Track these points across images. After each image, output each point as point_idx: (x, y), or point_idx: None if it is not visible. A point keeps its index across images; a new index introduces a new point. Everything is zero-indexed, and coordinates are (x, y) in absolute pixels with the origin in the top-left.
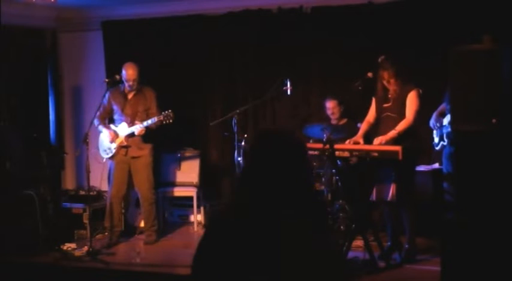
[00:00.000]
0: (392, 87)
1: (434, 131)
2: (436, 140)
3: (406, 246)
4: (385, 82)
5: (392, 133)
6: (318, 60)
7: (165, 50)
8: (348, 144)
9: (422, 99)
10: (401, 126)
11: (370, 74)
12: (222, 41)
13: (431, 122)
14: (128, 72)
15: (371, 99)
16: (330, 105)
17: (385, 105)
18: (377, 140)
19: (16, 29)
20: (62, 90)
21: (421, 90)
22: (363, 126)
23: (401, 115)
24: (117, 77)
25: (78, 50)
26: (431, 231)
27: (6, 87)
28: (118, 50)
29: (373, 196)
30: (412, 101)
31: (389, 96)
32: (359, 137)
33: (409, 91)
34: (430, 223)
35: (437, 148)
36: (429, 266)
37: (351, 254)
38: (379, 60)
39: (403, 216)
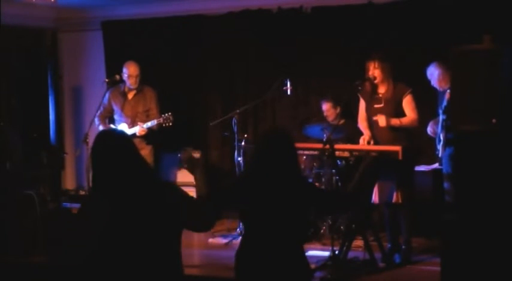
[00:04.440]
0: (384, 87)
1: (437, 139)
2: (439, 147)
3: (403, 247)
4: (376, 82)
5: (395, 120)
6: (318, 60)
7: (165, 50)
8: (362, 142)
9: (416, 99)
10: (406, 120)
11: (370, 74)
12: (222, 41)
13: (428, 129)
14: (130, 69)
15: (358, 99)
16: (325, 107)
17: (377, 106)
18: (379, 118)
19: (16, 29)
20: (62, 90)
21: (411, 89)
22: (368, 127)
23: (394, 117)
24: (117, 77)
25: (78, 50)
26: (431, 231)
27: (6, 87)
28: (118, 50)
29: (375, 198)
30: (410, 103)
31: (380, 96)
32: (370, 137)
33: (403, 93)
34: (430, 223)
35: (440, 155)
36: (429, 266)
37: (351, 254)
38: (373, 59)
39: (400, 217)
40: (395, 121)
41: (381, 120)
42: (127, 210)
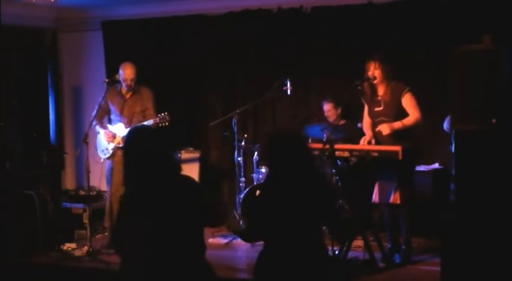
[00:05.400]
0: (382, 88)
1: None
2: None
3: (403, 247)
4: (375, 82)
5: (398, 124)
6: (318, 60)
7: (165, 50)
8: (362, 142)
9: (416, 96)
10: (409, 120)
11: (369, 74)
12: (222, 41)
13: (445, 125)
14: (126, 72)
15: (362, 102)
16: (326, 107)
17: (377, 109)
18: (382, 127)
19: (16, 29)
20: (62, 90)
21: (409, 88)
22: (370, 127)
23: (396, 118)
24: (117, 77)
25: (78, 50)
26: (431, 231)
27: (6, 87)
28: (118, 50)
29: (376, 198)
30: (411, 101)
31: (379, 98)
32: (371, 136)
33: (401, 92)
34: (430, 223)
35: (453, 151)
36: (429, 266)
37: (351, 254)
38: (374, 59)
39: (399, 217)
40: (398, 125)
41: (384, 129)
42: (153, 203)
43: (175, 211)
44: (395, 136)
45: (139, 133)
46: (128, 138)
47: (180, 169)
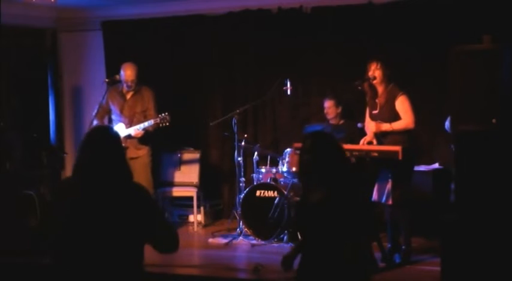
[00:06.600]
0: (380, 90)
1: None
2: None
3: (403, 247)
4: (374, 82)
5: (386, 125)
6: (318, 60)
7: (165, 50)
8: (363, 142)
9: (412, 102)
10: (398, 125)
11: (370, 74)
12: (222, 41)
13: (446, 124)
14: (126, 73)
15: (359, 98)
16: (327, 105)
17: (374, 112)
18: (369, 126)
19: (16, 29)
20: (62, 90)
21: (402, 92)
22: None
23: (391, 122)
24: (117, 77)
25: (78, 50)
26: (431, 231)
27: (6, 87)
28: (118, 50)
29: (375, 196)
30: (404, 105)
31: (377, 101)
32: (372, 137)
33: (395, 96)
34: (429, 223)
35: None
36: (429, 267)
37: None
38: (376, 60)
39: (398, 217)
40: (385, 126)
41: (371, 127)
42: (93, 205)
43: (114, 214)
44: (395, 138)
45: (105, 132)
46: (86, 135)
47: (131, 176)
